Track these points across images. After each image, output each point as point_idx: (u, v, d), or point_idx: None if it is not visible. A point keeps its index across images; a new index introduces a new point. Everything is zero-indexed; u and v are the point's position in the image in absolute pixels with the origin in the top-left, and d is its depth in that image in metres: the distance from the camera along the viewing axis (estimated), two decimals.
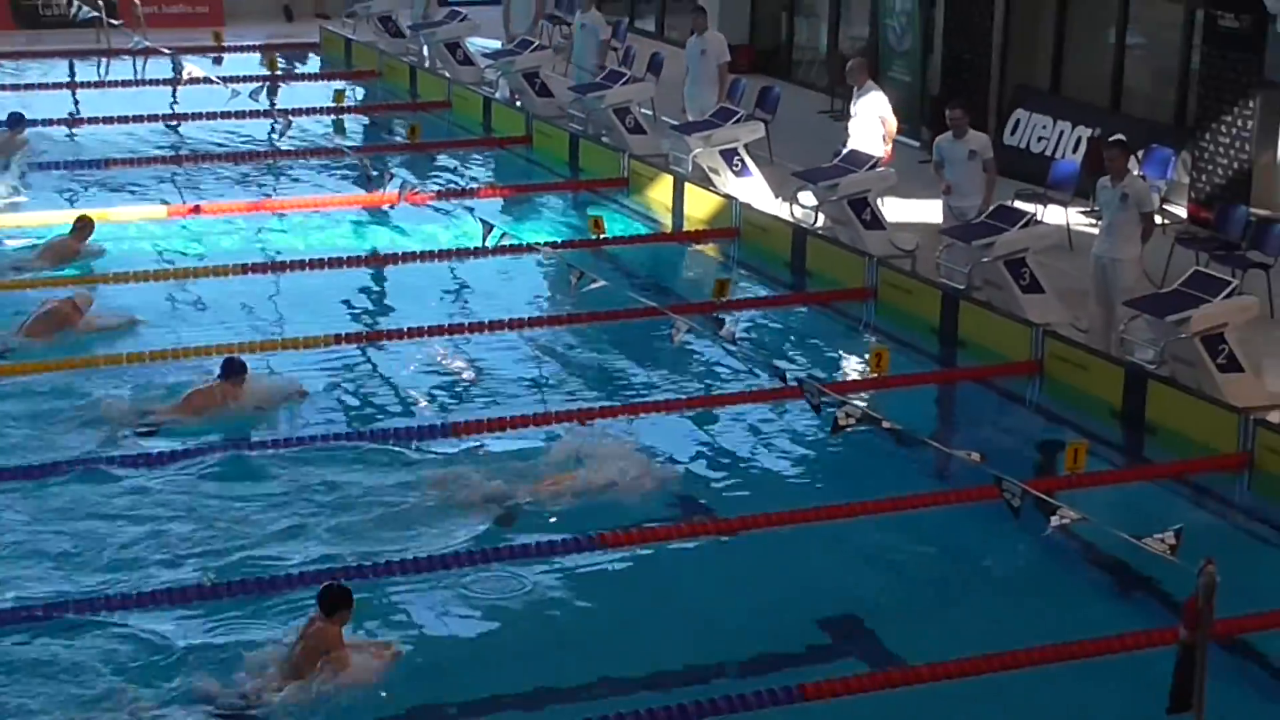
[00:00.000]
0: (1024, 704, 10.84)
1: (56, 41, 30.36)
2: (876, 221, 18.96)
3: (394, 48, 28.81)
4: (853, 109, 20.40)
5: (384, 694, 10.66)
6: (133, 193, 21.59)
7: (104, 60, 29.41)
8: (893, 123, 20.20)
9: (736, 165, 21.02)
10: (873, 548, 12.78)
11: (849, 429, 12.26)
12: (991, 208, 17.61)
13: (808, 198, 19.68)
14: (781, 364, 14.27)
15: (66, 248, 18.63)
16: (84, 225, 18.85)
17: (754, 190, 20.80)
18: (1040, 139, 21.99)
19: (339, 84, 26.84)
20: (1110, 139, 17.32)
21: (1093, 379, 15.43)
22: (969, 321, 16.86)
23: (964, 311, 16.92)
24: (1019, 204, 18.41)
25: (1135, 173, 16.15)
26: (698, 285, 18.41)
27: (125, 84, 27.78)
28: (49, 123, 24.63)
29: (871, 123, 20.04)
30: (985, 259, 16.86)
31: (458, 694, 10.79)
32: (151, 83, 27.50)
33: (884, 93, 20.40)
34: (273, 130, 24.41)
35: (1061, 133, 21.77)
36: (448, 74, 26.99)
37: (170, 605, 11.62)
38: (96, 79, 28.58)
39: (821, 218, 19.41)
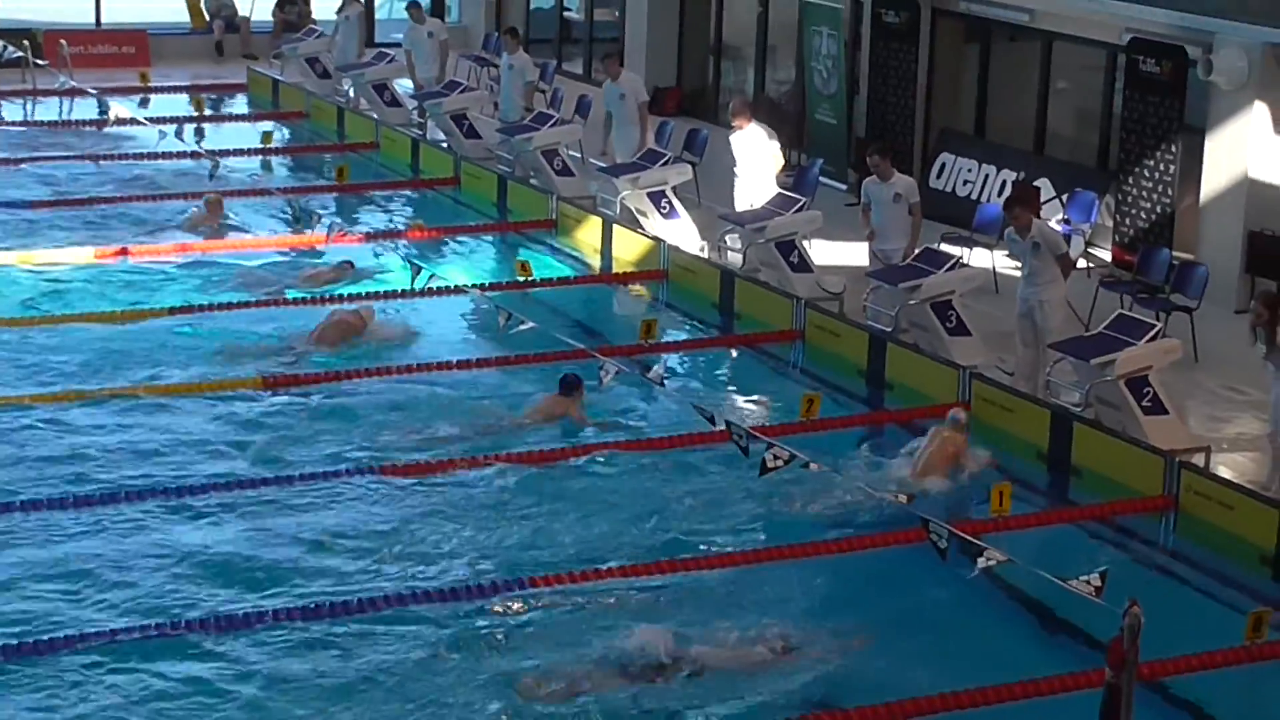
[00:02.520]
0: None
1: None
2: (804, 264, 19.06)
3: (321, 89, 28.77)
4: (736, 151, 20.59)
5: None
6: (60, 235, 21.44)
7: (30, 100, 29.20)
8: (780, 159, 20.53)
9: (664, 207, 21.09)
10: (801, 591, 12.79)
11: (777, 470, 12.32)
12: (918, 250, 17.74)
13: (735, 240, 19.76)
14: (709, 406, 14.29)
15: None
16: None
17: (682, 232, 20.87)
18: (966, 182, 22.18)
19: (266, 125, 26.77)
20: (1007, 197, 17.54)
21: (1019, 421, 15.53)
22: (896, 364, 16.95)
23: (891, 354, 17.01)
24: (945, 247, 18.56)
25: (1039, 220, 16.39)
26: (626, 327, 18.45)
27: (51, 124, 27.56)
28: None
29: (762, 161, 20.36)
30: (912, 301, 16.97)
31: None
32: (78, 123, 27.31)
33: (765, 128, 20.69)
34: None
35: (987, 176, 21.96)
36: (375, 115, 26.96)
37: None
38: (21, 119, 28.35)
39: (746, 258, 19.48)
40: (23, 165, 24.57)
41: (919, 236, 18.21)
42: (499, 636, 12.01)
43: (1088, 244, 19.90)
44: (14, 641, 11.59)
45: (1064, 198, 20.51)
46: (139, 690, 11.21)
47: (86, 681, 11.27)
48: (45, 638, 11.65)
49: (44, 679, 11.26)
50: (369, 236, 21.32)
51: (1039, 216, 16.64)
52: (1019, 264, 16.50)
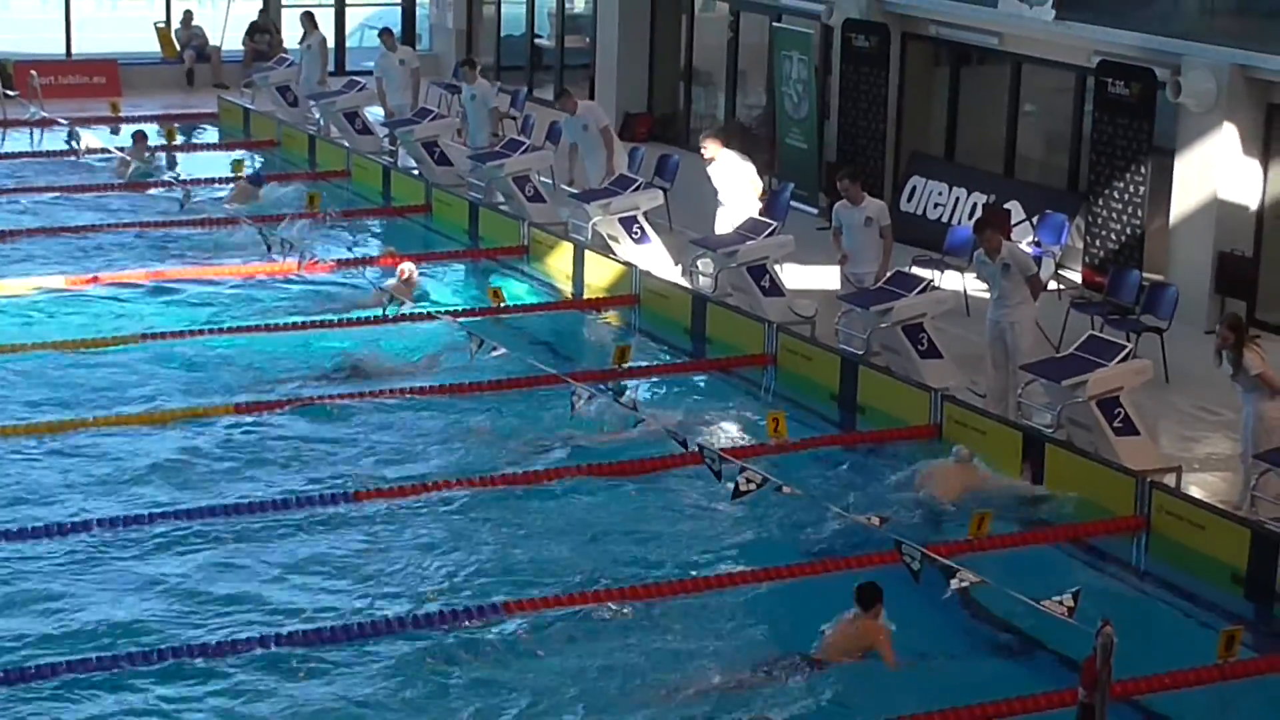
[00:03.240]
0: None
1: None
2: (775, 288, 19.09)
3: (292, 117, 28.75)
4: (716, 182, 20.63)
5: None
6: (31, 263, 21.41)
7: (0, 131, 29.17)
8: (758, 182, 20.69)
9: (636, 233, 21.11)
10: (775, 613, 12.81)
11: (749, 494, 12.33)
12: (889, 274, 17.78)
13: (707, 265, 19.79)
14: (681, 431, 14.31)
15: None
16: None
17: (653, 257, 20.89)
18: (936, 205, 22.25)
19: (237, 153, 26.75)
20: (976, 220, 17.63)
21: (991, 443, 15.56)
22: (869, 387, 16.98)
23: (863, 377, 17.04)
24: (916, 270, 18.61)
25: (1009, 242, 16.48)
26: (598, 352, 18.43)
27: (21, 155, 27.49)
28: None
29: (742, 187, 20.45)
30: (883, 324, 17.01)
31: None
32: (48, 154, 27.26)
33: (736, 153, 20.75)
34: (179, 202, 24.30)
35: (957, 199, 22.04)
36: (347, 143, 26.95)
37: None
38: None
39: (717, 282, 19.50)
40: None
41: (890, 259, 18.26)
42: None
43: (1058, 266, 19.97)
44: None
45: (1034, 220, 20.58)
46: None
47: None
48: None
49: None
50: (341, 264, 21.30)
51: (1009, 239, 16.69)
52: (989, 287, 16.55)
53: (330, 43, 31.48)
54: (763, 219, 19.75)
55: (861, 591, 11.92)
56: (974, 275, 18.48)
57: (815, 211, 23.19)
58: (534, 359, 16.51)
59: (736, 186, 20.51)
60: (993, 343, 16.29)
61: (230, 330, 18.77)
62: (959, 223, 21.37)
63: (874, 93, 23.09)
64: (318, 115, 27.78)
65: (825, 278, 19.78)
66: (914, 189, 22.64)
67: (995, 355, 16.30)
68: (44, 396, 16.82)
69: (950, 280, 19.34)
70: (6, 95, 28.73)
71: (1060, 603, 10.44)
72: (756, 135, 25.66)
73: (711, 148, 20.51)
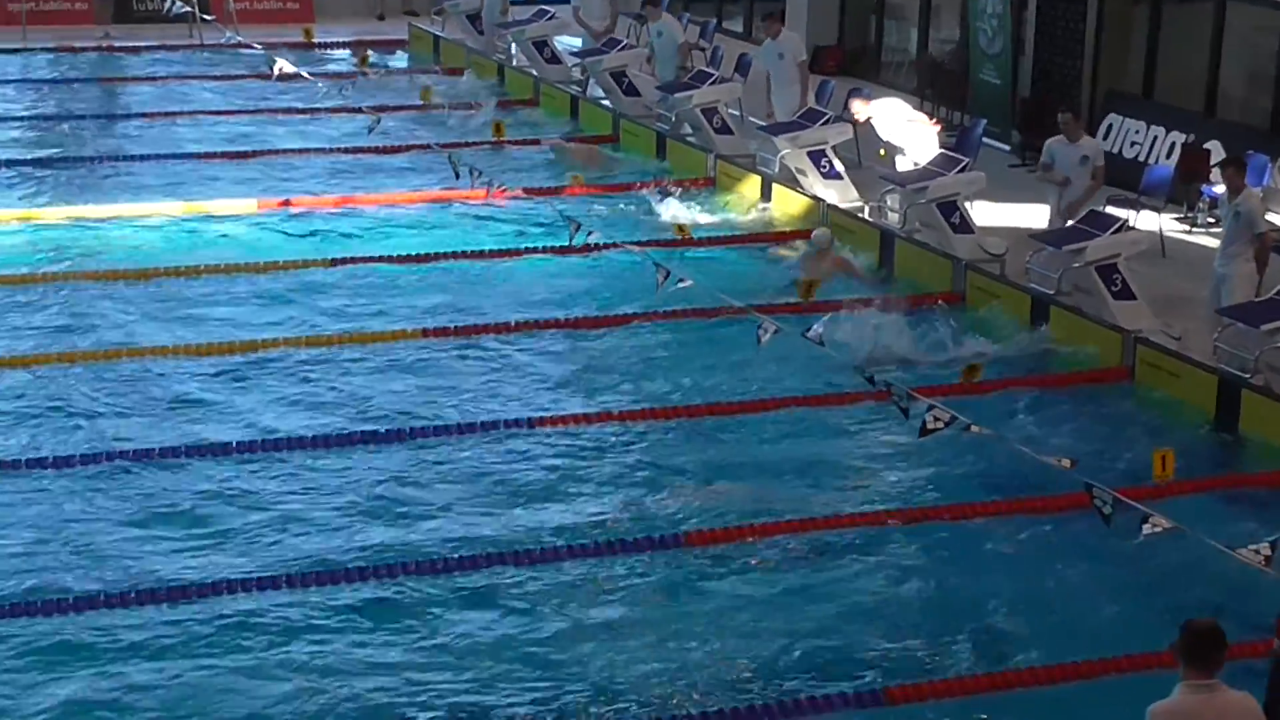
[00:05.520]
0: (1113, 713, 10.70)
1: (150, 36, 30.58)
2: (965, 225, 18.81)
3: (482, 45, 28.84)
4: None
5: None
6: (223, 186, 21.74)
7: (196, 54, 29.62)
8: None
9: (824, 166, 20.92)
10: (961, 552, 12.68)
11: (937, 433, 12.16)
12: (1082, 213, 17.45)
13: (894, 200, 19.56)
14: (868, 367, 14.17)
15: None
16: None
17: (841, 192, 20.69)
18: (1133, 144, 21.79)
19: (426, 80, 26.90)
20: (1224, 159, 17.14)
21: (1185, 387, 15.25)
22: (1059, 327, 16.70)
23: (1054, 316, 16.76)
24: (1111, 209, 18.24)
25: (1253, 191, 15.99)
26: (784, 286, 18.31)
27: (217, 79, 27.94)
28: (143, 115, 24.92)
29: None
30: (1076, 264, 16.70)
31: None
32: (242, 77, 27.64)
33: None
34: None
35: (1155, 138, 21.56)
36: (535, 72, 26.99)
37: None
38: (189, 73, 28.74)
39: (905, 218, 19.26)
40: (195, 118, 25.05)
41: (1091, 199, 17.92)
42: None
43: None
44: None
45: None
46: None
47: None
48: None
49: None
50: (528, 192, 21.35)
51: (1209, 180, 16.24)
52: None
53: None
54: (954, 154, 19.47)
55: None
56: (1171, 216, 18.14)
57: (1007, 149, 22.82)
58: (719, 291, 16.43)
59: (903, 128, 20.28)
60: (1210, 294, 15.90)
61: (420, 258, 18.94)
62: (1156, 162, 20.92)
63: (1071, 28, 22.63)
64: (511, 45, 27.83)
65: (1016, 215, 19.47)
66: (1110, 126, 22.18)
67: (1210, 305, 15.88)
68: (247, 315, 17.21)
69: (1146, 220, 18.94)
70: (203, 20, 29.12)
71: (1257, 551, 10.18)
72: (948, 70, 25.28)
73: (863, 109, 20.59)
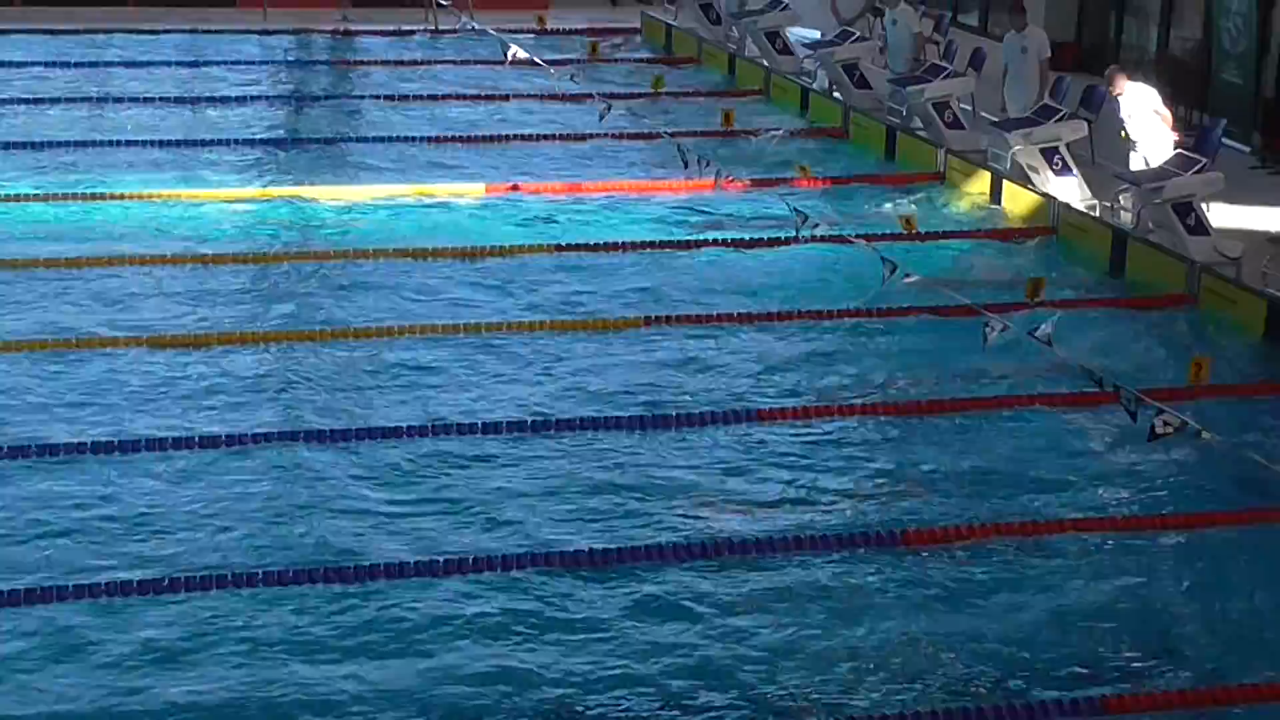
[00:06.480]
0: None
1: (386, 20, 31.06)
2: (1201, 227, 18.37)
3: (713, 34, 28.84)
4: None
5: None
6: (453, 169, 22.02)
7: (432, 39, 30.05)
8: (1168, 113, 20.10)
9: (1057, 164, 20.57)
10: (1185, 562, 12.40)
11: (1166, 438, 11.90)
12: None
13: (1129, 200, 19.17)
14: (1096, 368, 13.91)
15: None
16: None
17: (1073, 190, 20.34)
18: None
19: (658, 69, 26.98)
20: None
21: None
22: None
23: None
24: None
25: None
26: (1011, 285, 18.04)
27: (451, 63, 28.31)
28: (374, 98, 25.33)
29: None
30: None
31: None
32: (477, 63, 27.98)
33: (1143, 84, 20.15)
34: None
35: None
36: (766, 63, 26.92)
37: None
38: (423, 58, 29.14)
39: (1138, 218, 18.86)
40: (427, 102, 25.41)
41: None
42: None
43: None
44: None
45: None
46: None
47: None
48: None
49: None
50: (756, 183, 21.29)
51: None
52: None
53: None
54: (1191, 154, 19.04)
55: None
56: None
57: (1247, 150, 22.26)
58: (946, 288, 16.25)
59: (1147, 119, 19.79)
60: None
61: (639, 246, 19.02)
62: None
63: None
64: (745, 37, 27.80)
65: (1255, 219, 18.98)
66: None
67: None
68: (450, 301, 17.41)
69: None
70: (439, 5, 29.50)
71: None
72: (1188, 69, 24.73)
73: (1119, 83, 19.84)
